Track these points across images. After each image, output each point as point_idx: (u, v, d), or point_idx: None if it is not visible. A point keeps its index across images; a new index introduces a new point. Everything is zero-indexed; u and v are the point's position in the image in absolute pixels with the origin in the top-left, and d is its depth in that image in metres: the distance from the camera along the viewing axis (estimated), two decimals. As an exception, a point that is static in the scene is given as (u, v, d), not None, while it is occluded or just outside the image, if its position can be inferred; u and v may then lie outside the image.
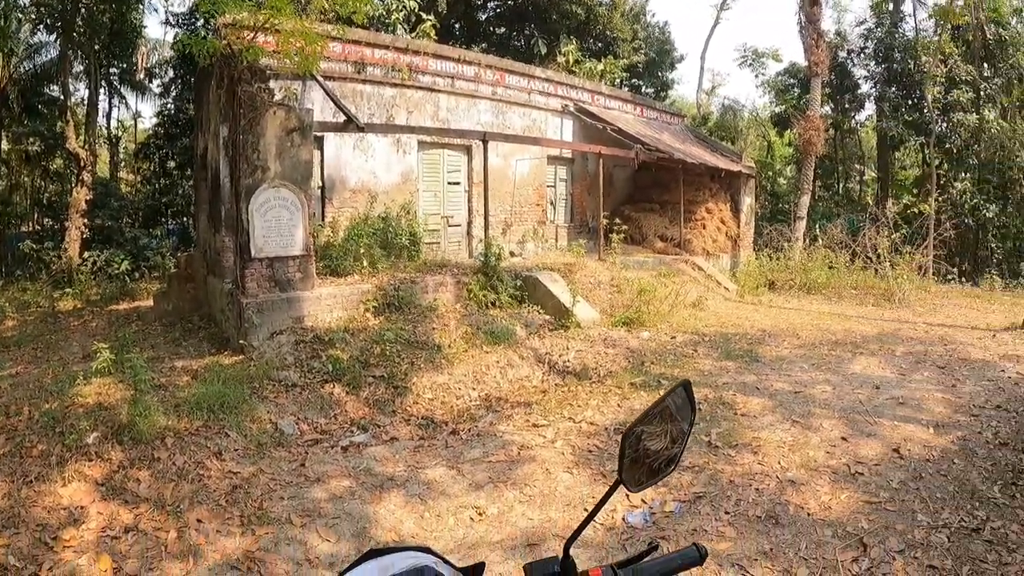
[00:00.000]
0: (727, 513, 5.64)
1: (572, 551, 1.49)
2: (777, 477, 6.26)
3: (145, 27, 28.95)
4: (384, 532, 5.57)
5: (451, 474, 6.72)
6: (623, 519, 5.60)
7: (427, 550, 1.40)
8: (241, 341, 9.85)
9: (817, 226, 24.29)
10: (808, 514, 5.59)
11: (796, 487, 6.07)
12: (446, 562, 1.39)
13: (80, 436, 6.94)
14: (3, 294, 18.12)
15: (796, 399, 8.49)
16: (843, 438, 7.18)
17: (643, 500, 5.87)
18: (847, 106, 33.45)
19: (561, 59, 23.76)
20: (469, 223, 16.96)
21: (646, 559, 1.57)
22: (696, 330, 12.76)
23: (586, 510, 5.72)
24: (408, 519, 5.80)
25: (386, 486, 6.46)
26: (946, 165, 27.87)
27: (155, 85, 31.77)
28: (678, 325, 12.93)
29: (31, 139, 29.81)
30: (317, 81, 13.15)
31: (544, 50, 25.56)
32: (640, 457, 1.60)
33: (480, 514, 5.84)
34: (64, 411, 7.67)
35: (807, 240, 23.38)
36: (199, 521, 5.68)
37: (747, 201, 22.69)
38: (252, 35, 10.58)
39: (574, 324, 11.75)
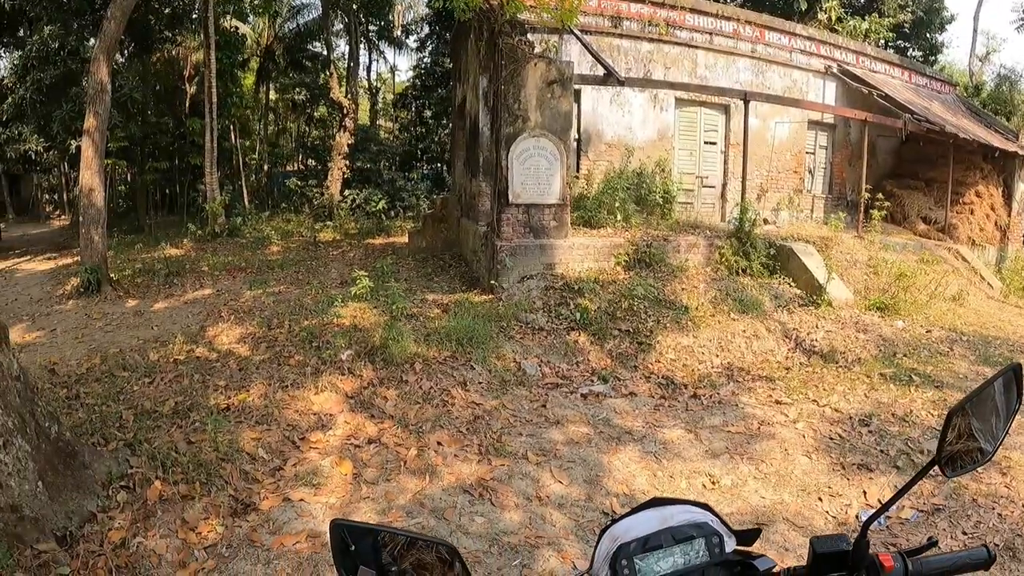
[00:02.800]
0: (964, 533, 5.07)
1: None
2: (1023, 506, 5.58)
3: (400, -14, 30.41)
4: (616, 484, 5.50)
5: (688, 437, 6.56)
6: (856, 516, 5.22)
7: (707, 507, 1.37)
8: (492, 282, 10.17)
9: (1101, 222, 21.56)
10: None
11: None
12: (724, 523, 1.36)
13: (335, 352, 7.52)
14: (269, 223, 19.79)
15: (1058, 421, 7.54)
16: None
17: (879, 500, 5.42)
18: None
19: (822, 16, 22.39)
20: (724, 185, 16.44)
21: (927, 552, 1.43)
22: (954, 327, 11.63)
23: (820, 500, 5.46)
24: (641, 475, 5.70)
25: (623, 439, 6.41)
26: None
27: (411, 40, 33.52)
28: (935, 318, 11.86)
29: (296, 89, 32.39)
30: (575, 35, 13.09)
31: (804, 6, 24.14)
32: (959, 441, 1.44)
33: (713, 483, 5.65)
34: (322, 328, 8.33)
35: (1089, 239, 20.75)
36: (439, 444, 5.91)
37: (1021, 187, 20.11)
38: (511, -11, 10.71)
39: (825, 302, 11.07)
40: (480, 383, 7.38)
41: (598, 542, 1.33)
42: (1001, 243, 19.40)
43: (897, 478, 5.79)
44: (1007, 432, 1.48)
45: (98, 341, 8.62)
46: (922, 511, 5.35)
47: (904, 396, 7.70)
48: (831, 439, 6.65)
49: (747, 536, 1.40)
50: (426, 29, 31.92)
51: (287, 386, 6.75)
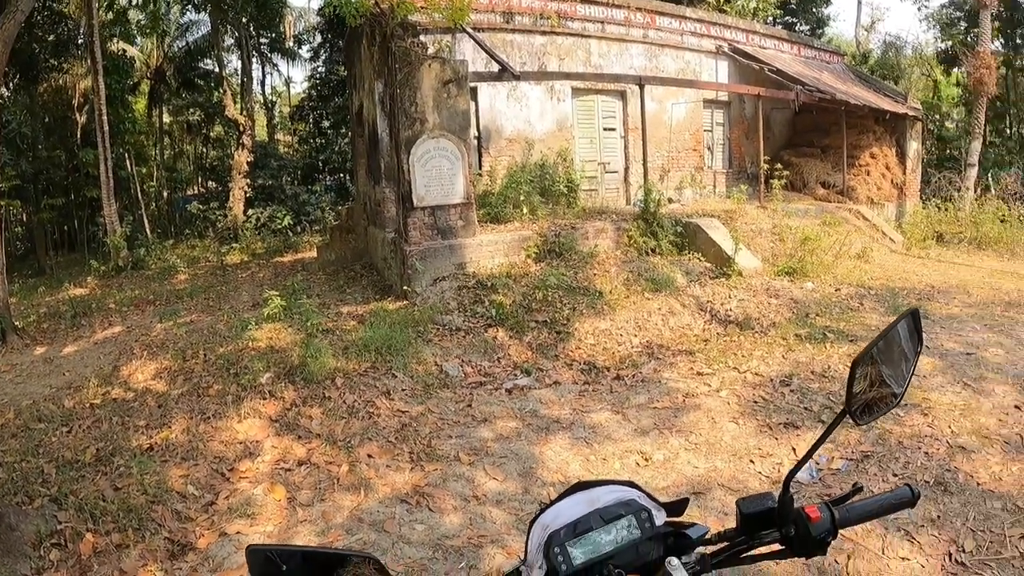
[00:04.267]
0: (895, 475, 5.36)
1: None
2: (947, 442, 5.87)
3: (289, -4, 29.98)
4: (550, 473, 5.58)
5: (616, 419, 6.68)
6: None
7: (632, 484, 1.39)
8: (404, 287, 10.11)
9: (989, 175, 22.70)
10: (978, 483, 5.20)
11: (966, 454, 5.67)
12: (651, 497, 1.38)
13: (254, 376, 7.35)
14: (174, 251, 19.31)
15: (967, 361, 7.90)
16: (1016, 406, 6.61)
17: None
18: (1019, 41, 30.67)
19: (712, -2, 22.96)
20: (626, 169, 16.71)
21: (854, 499, 1.49)
22: (861, 283, 12.17)
23: (752, 462, 5.65)
24: (574, 461, 5.80)
25: (552, 428, 6.49)
26: None
27: (304, 51, 33.08)
28: (842, 277, 12.38)
29: (190, 110, 31.75)
30: (467, 33, 13.10)
31: (694, -12, 24.72)
32: (867, 388, 1.50)
33: (646, 459, 5.78)
34: (238, 354, 8.15)
35: (978, 190, 21.74)
36: (369, 456, 5.87)
37: (913, 146, 21.25)
38: (400, -8, 10.68)
39: (735, 273, 11.44)
40: (404, 390, 7.34)
41: (529, 532, 1.35)
42: (899, 199, 20.39)
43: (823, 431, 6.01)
44: (912, 374, 1.57)
45: (9, 394, 8.27)
46: (851, 460, 5.59)
47: (821, 353, 8.00)
48: (755, 402, 6.88)
49: (676, 507, 1.43)
50: (318, 38, 31.53)
51: (209, 417, 6.59)
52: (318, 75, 31.63)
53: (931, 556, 4.40)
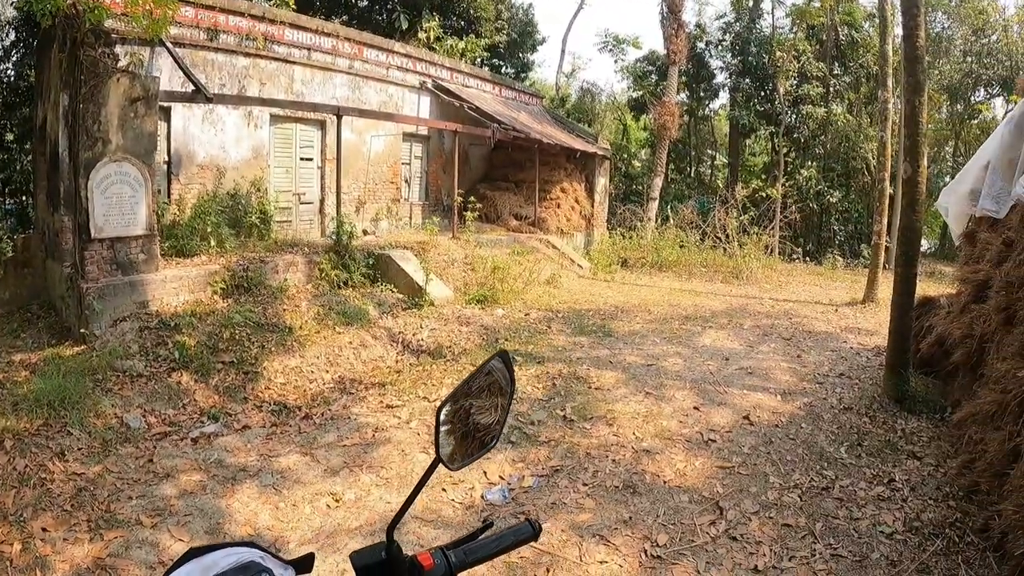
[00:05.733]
0: (585, 485, 5.86)
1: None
2: (633, 448, 6.56)
3: (-17, -17, 26.77)
4: (238, 527, 5.44)
5: (305, 461, 6.66)
6: (482, 496, 5.72)
7: (252, 544, 1.35)
8: (82, 330, 9.27)
9: (669, 207, 25.46)
10: (664, 482, 5.90)
11: (651, 456, 6.38)
12: (274, 555, 1.35)
13: None
14: None
15: (649, 372, 8.90)
16: (695, 408, 7.61)
17: (501, 476, 6.05)
18: (702, 94, 34.59)
19: (422, 35, 23.43)
20: (322, 200, 16.48)
21: (481, 537, 1.57)
22: (550, 307, 13.09)
23: (444, 490, 5.83)
24: (263, 511, 5.69)
25: (239, 478, 6.31)
26: (793, 153, 29.79)
27: (-5, 49, 29.47)
28: (532, 302, 13.22)
29: None
30: (166, 47, 12.37)
31: (405, 25, 25.16)
32: (458, 433, 1.57)
33: (337, 500, 5.82)
34: None
35: (659, 220, 24.32)
36: (44, 530, 5.35)
37: (601, 181, 23.37)
38: (98, -6, 9.89)
39: (428, 303, 11.81)
40: (80, 449, 6.71)
41: None
42: (587, 229, 22.25)
43: (514, 453, 6.43)
44: (508, 412, 1.60)
45: None
46: (542, 476, 5.98)
47: (509, 376, 8.47)
48: (445, 431, 7.13)
49: (303, 563, 1.39)
50: (11, 36, 28.28)
51: None
52: (6, 78, 28.46)
53: (627, 555, 4.82)
